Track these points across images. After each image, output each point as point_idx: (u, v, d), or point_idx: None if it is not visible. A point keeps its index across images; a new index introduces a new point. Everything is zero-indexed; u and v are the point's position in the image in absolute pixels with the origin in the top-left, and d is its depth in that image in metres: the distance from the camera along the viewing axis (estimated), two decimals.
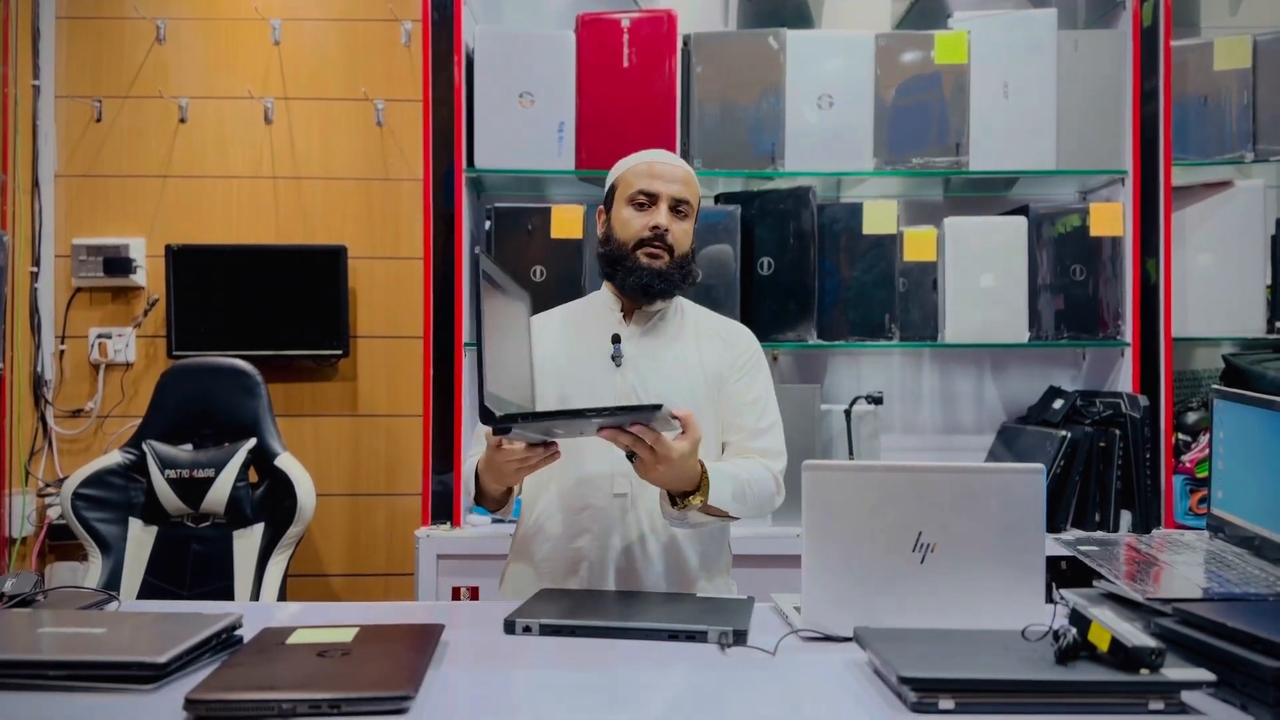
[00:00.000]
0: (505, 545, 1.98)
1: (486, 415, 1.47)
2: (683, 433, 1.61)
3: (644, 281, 1.83)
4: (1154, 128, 2.69)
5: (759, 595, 1.70)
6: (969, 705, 1.19)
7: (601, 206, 1.95)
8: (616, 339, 1.85)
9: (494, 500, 1.82)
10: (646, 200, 1.85)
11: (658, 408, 1.50)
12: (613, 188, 1.92)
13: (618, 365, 1.84)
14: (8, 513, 3.05)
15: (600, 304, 1.94)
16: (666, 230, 1.83)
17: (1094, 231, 2.73)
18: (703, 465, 1.68)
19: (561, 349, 1.88)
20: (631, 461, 1.62)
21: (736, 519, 1.79)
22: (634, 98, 2.67)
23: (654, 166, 1.87)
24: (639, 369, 1.85)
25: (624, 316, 1.90)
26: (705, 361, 1.88)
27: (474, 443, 1.91)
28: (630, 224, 1.85)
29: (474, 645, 1.46)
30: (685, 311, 1.95)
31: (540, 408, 1.79)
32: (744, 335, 1.97)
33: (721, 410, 1.88)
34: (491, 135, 2.67)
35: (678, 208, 1.85)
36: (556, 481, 1.84)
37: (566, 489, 1.83)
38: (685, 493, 1.69)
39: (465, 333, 2.65)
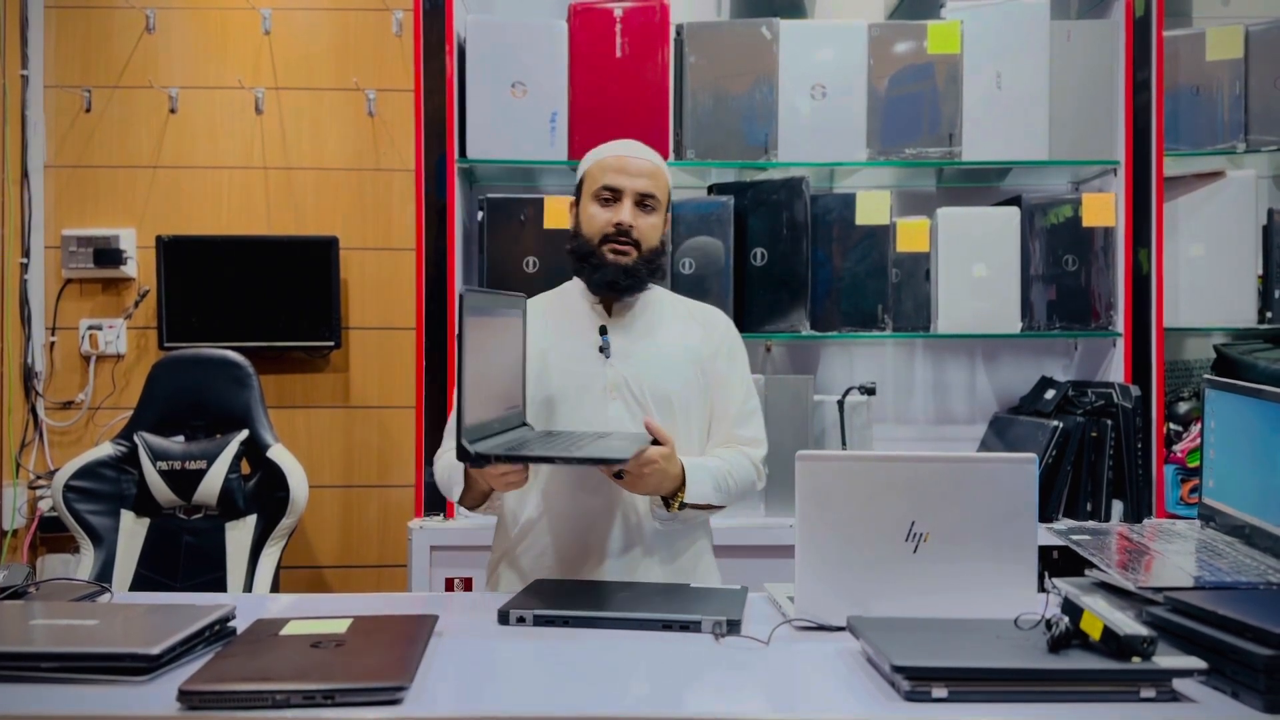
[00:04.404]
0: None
1: (462, 453, 1.49)
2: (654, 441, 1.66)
3: (609, 278, 1.83)
4: (1146, 118, 2.69)
5: (752, 585, 1.70)
6: (962, 694, 1.19)
7: (572, 199, 1.93)
8: (604, 331, 1.85)
9: (474, 500, 1.80)
10: (611, 196, 1.83)
11: (624, 460, 1.53)
12: (581, 181, 1.90)
13: (606, 357, 1.84)
14: None
15: (576, 295, 1.92)
16: (631, 226, 1.81)
17: (1086, 222, 2.73)
18: (682, 465, 1.72)
19: (546, 343, 1.86)
20: (618, 480, 1.66)
21: (722, 507, 1.82)
22: (626, 88, 2.66)
23: (620, 161, 1.84)
24: (629, 360, 1.84)
25: (605, 309, 1.89)
26: (690, 348, 1.89)
27: (449, 437, 1.88)
28: (595, 220, 1.84)
29: (468, 636, 1.47)
30: (662, 300, 1.95)
31: (529, 408, 1.80)
32: (721, 320, 1.97)
33: (706, 395, 1.89)
34: (483, 125, 2.66)
35: (643, 202, 1.84)
36: (550, 475, 1.82)
37: (563, 478, 1.81)
38: (673, 494, 1.73)
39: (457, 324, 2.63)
